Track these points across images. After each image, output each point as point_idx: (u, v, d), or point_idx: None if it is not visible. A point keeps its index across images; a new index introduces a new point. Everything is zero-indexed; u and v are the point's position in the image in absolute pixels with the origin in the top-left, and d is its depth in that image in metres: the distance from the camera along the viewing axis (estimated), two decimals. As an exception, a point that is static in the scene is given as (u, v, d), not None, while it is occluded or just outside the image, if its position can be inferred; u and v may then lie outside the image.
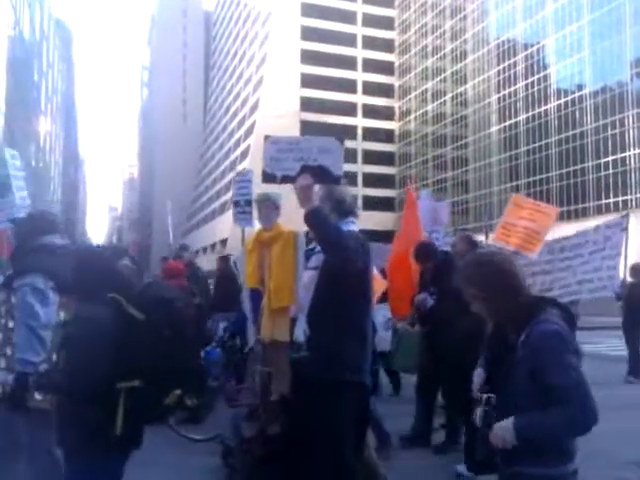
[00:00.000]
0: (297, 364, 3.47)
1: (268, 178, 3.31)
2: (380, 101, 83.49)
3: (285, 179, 3.25)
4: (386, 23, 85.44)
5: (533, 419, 2.10)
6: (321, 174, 3.22)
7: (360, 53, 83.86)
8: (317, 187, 3.34)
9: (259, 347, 4.56)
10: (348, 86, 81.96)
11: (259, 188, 5.21)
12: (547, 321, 2.17)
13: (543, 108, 55.96)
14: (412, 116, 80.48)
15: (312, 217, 2.99)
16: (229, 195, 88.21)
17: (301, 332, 3.53)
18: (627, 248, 7.87)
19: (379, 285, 6.46)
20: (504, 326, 2.35)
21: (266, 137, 3.35)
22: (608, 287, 7.94)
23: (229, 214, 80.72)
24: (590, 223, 47.16)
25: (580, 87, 52.27)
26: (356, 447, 3.31)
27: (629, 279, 10.54)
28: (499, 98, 62.47)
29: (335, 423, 3.11)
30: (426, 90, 77.36)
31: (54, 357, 3.09)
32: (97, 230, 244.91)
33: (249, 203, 6.19)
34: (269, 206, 4.60)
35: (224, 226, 70.46)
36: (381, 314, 7.61)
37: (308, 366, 3.26)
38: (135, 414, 2.58)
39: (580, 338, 2.29)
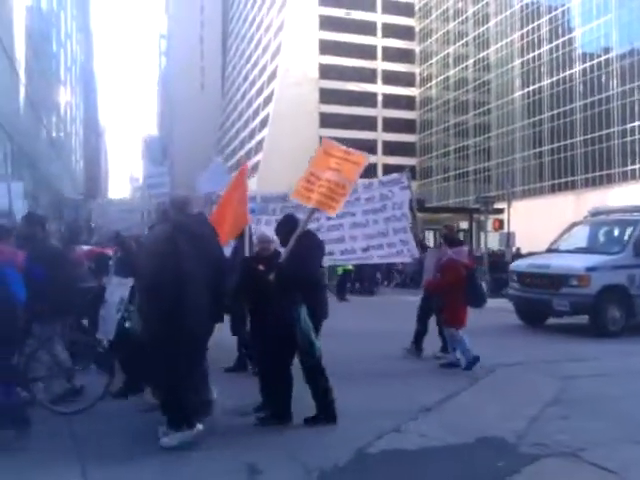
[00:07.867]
0: None
1: None
2: (400, 67, 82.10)
3: None
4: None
5: None
6: None
7: (380, 18, 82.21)
8: None
9: None
10: (368, 52, 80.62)
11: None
12: None
13: (568, 72, 54.63)
14: (433, 82, 79.12)
15: None
16: (249, 164, 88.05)
17: None
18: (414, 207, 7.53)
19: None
20: None
21: None
22: (404, 252, 7.69)
23: (249, 183, 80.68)
24: (615, 191, 45.99)
25: (606, 50, 50.84)
26: None
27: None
28: (522, 62, 61.06)
29: None
30: (448, 55, 75.83)
31: None
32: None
33: None
34: None
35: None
36: (118, 293, 5.99)
37: None
38: None
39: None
